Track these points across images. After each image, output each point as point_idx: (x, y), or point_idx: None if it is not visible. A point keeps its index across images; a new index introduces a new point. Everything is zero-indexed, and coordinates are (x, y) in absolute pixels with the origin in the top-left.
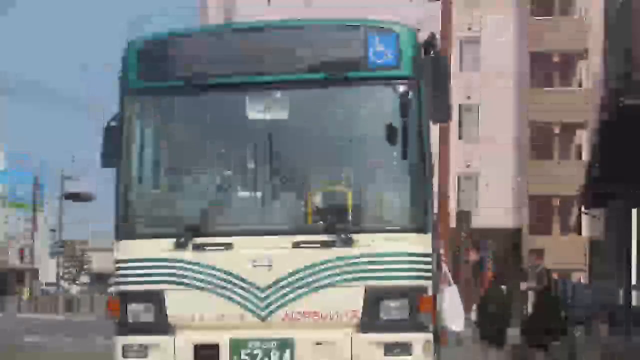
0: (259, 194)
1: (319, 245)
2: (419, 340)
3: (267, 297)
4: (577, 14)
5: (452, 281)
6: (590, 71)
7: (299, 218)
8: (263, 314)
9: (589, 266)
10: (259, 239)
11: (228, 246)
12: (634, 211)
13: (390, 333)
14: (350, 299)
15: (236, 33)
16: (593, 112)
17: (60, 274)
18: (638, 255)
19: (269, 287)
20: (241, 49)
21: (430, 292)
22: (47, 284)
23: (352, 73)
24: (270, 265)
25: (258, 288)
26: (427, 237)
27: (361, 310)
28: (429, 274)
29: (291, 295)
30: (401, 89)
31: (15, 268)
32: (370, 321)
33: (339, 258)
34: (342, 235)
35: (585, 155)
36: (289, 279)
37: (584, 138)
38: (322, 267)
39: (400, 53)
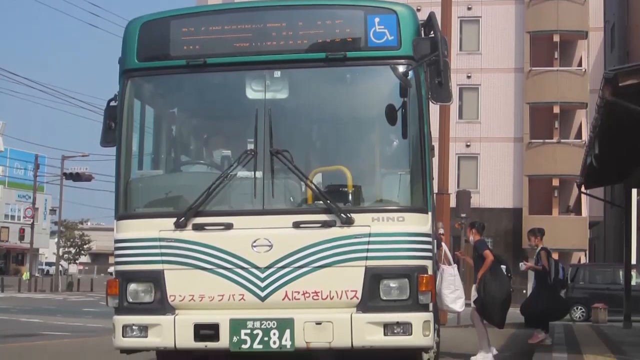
0: (259, 173)
1: (319, 225)
2: (418, 320)
3: (267, 277)
4: None
5: (452, 261)
6: (590, 52)
7: (299, 198)
8: (263, 294)
9: (589, 246)
10: (259, 219)
11: (228, 226)
12: (634, 191)
13: (390, 313)
14: (350, 279)
15: (235, 12)
16: (593, 92)
17: (60, 253)
18: (638, 235)
19: (269, 267)
20: (240, 28)
21: (430, 272)
22: (47, 264)
23: (352, 53)
24: (271, 246)
25: (258, 268)
26: (427, 217)
27: (361, 290)
28: (429, 254)
29: (291, 276)
30: (401, 69)
31: (15, 248)
32: (370, 301)
33: (339, 238)
34: (343, 215)
35: (585, 136)
36: (289, 259)
37: (583, 118)
38: (323, 247)
39: (400, 33)
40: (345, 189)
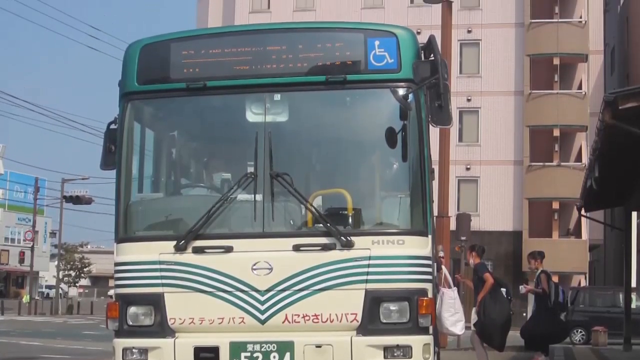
0: (259, 196)
1: (319, 248)
2: (418, 343)
3: (267, 300)
4: (576, 18)
5: (452, 284)
6: (590, 75)
7: (299, 221)
8: (263, 317)
9: (589, 269)
10: (259, 242)
11: (228, 249)
12: (634, 214)
13: (390, 336)
14: (350, 302)
15: (235, 35)
16: (593, 115)
17: (60, 276)
18: (638, 258)
19: (269, 290)
20: (240, 51)
21: (430, 295)
22: (47, 287)
23: (352, 76)
24: (271, 269)
25: (258, 291)
26: (427, 240)
27: (361, 313)
28: (429, 277)
29: (291, 299)
30: (401, 92)
31: (15, 271)
32: (370, 324)
33: (339, 261)
34: (343, 238)
35: (585, 159)
36: (289, 282)
37: (583, 141)
38: (323, 270)
39: (400, 56)
40: (345, 212)
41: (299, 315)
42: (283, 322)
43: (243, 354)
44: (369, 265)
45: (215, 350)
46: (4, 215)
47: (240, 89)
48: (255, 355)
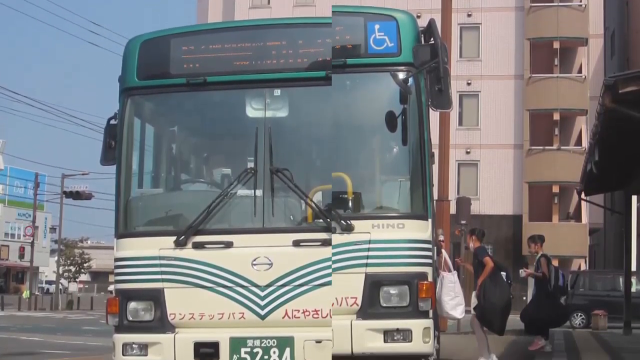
0: (259, 192)
1: (319, 243)
2: (418, 326)
3: (267, 295)
4: (576, 2)
5: (452, 268)
6: (590, 58)
7: (299, 216)
8: (263, 312)
9: (589, 253)
10: (259, 237)
11: (228, 244)
12: (634, 198)
13: (390, 320)
14: (350, 286)
15: (235, 31)
16: (593, 99)
17: (60, 272)
18: (638, 242)
19: (269, 285)
20: (240, 46)
21: (430, 279)
22: (47, 282)
23: (352, 60)
24: (271, 264)
25: (258, 286)
26: (427, 224)
27: (361, 297)
28: (429, 261)
29: (291, 294)
30: (401, 75)
31: (15, 266)
32: (370, 308)
33: (339, 245)
34: (342, 222)
35: (585, 142)
36: (289, 278)
37: (583, 125)
38: (322, 265)
39: (400, 40)
40: (345, 196)
41: (299, 311)
42: (283, 318)
43: (243, 349)
44: (369, 249)
45: (215, 346)
46: (4, 210)
47: (241, 84)
48: (255, 350)
